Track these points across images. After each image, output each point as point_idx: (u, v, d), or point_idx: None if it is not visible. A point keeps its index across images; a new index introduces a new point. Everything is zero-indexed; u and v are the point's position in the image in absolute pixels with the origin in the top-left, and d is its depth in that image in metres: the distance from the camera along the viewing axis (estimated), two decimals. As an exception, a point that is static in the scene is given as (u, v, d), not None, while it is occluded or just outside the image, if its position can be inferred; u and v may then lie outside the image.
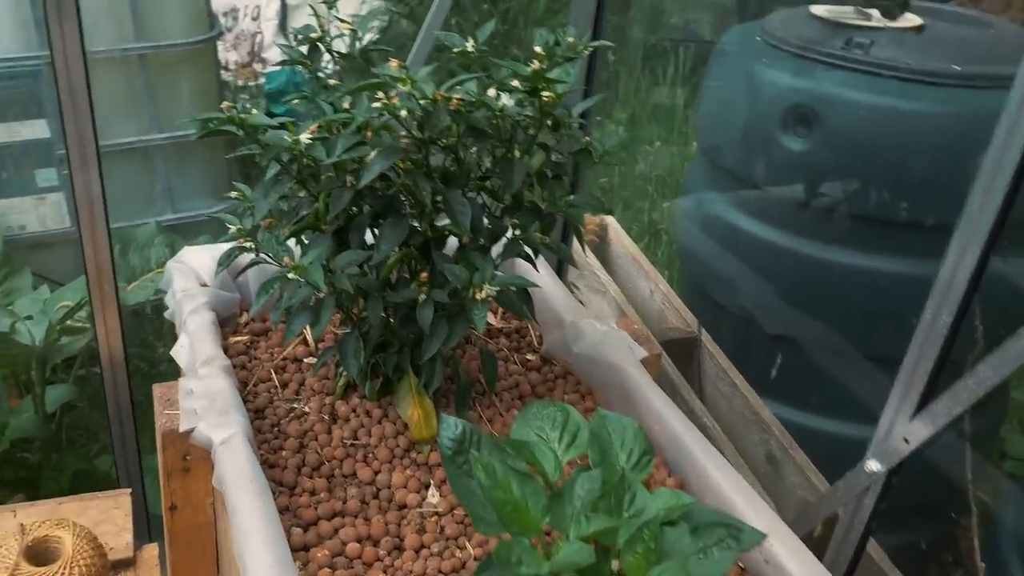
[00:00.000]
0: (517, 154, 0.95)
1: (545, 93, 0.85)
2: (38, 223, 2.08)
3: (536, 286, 0.89)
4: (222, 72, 2.56)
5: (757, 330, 1.60)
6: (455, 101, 0.79)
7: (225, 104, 0.83)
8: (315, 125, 0.88)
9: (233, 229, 0.94)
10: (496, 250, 0.99)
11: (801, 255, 1.50)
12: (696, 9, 3.73)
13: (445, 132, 0.88)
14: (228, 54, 3.58)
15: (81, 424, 2.11)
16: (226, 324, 1.21)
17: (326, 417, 1.08)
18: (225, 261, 0.97)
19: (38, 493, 1.95)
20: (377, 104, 0.82)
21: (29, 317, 1.70)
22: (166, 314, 1.20)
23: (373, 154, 0.82)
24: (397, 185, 0.88)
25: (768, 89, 1.50)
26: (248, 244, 0.94)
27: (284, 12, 3.70)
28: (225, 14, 3.58)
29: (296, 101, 1.06)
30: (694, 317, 1.64)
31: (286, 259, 0.87)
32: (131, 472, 1.70)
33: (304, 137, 0.86)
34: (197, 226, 2.25)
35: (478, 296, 0.88)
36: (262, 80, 3.50)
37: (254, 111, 0.87)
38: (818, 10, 1.58)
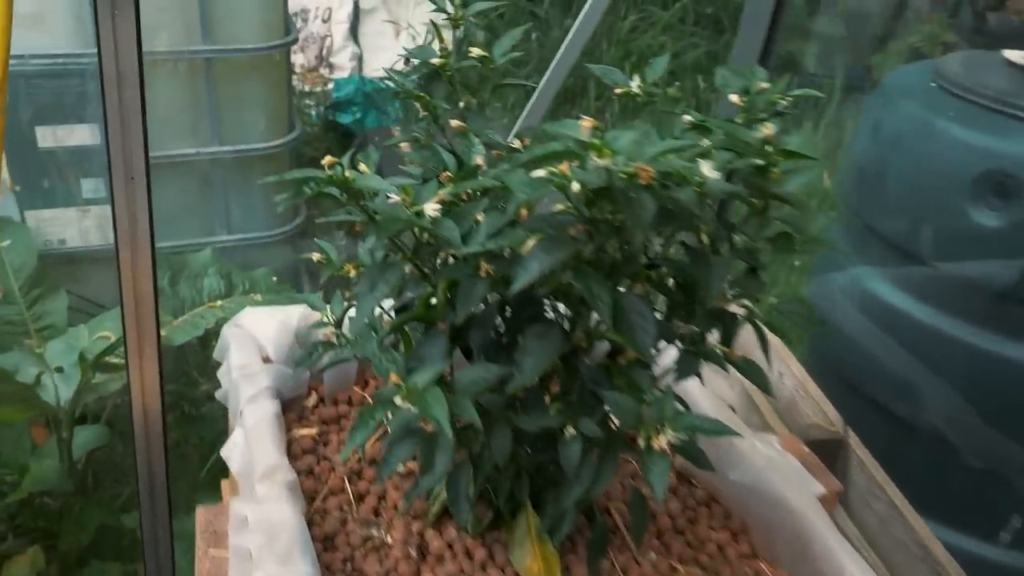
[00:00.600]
0: (704, 240, 0.70)
1: (776, 168, 0.60)
2: (80, 238, 1.87)
3: (737, 434, 0.63)
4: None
5: (927, 438, 1.32)
6: (648, 174, 0.54)
7: (328, 160, 0.59)
8: (441, 192, 0.64)
9: (317, 317, 0.70)
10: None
11: (991, 354, 1.22)
12: (793, 38, 3.44)
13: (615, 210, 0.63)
14: (295, 57, 3.37)
15: (111, 464, 1.90)
16: (290, 407, 0.97)
17: (413, 552, 0.83)
18: (306, 361, 0.73)
19: (56, 544, 1.73)
20: (541, 173, 0.57)
21: (60, 369, 1.48)
22: (218, 394, 0.96)
23: (531, 243, 0.57)
24: (553, 284, 0.63)
25: (954, 149, 1.23)
26: (336, 338, 0.70)
27: (356, 16, 3.49)
28: (295, 15, 3.38)
29: (405, 145, 0.81)
30: (836, 412, 1.37)
31: (393, 376, 0.62)
32: (160, 538, 1.47)
33: (430, 209, 0.62)
34: (255, 250, 2.03)
35: (656, 444, 0.62)
36: (329, 86, 3.29)
37: (363, 168, 0.63)
38: (1014, 55, 1.31)
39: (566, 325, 0.70)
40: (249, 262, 2.01)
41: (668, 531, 0.93)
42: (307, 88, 3.29)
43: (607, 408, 0.71)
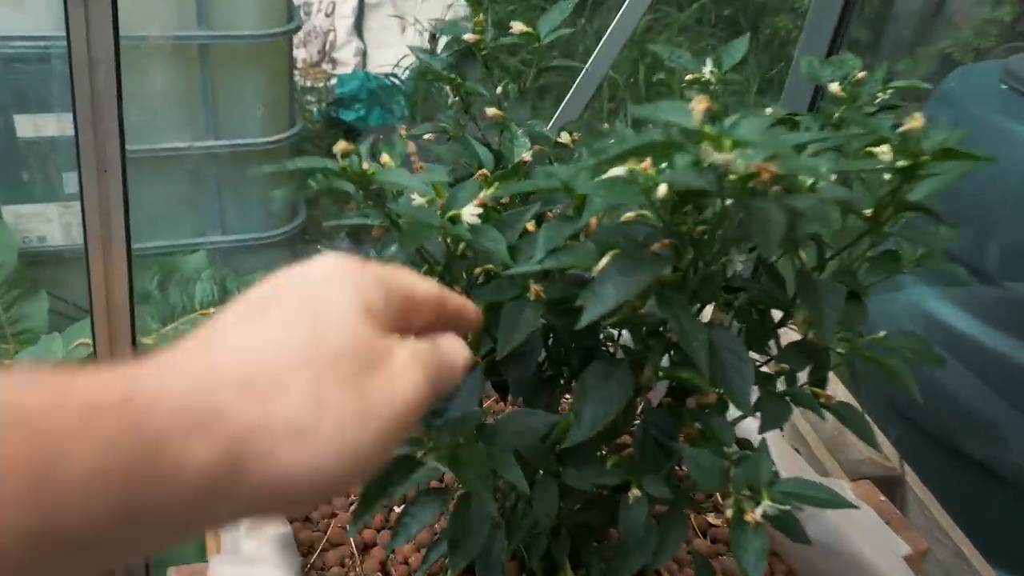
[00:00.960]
0: (805, 258, 0.57)
1: (921, 171, 0.47)
2: (62, 235, 1.73)
3: (854, 506, 0.50)
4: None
5: (995, 476, 1.19)
6: (770, 173, 0.40)
7: (341, 145, 0.46)
8: (483, 194, 0.51)
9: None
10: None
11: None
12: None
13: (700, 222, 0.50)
14: (297, 51, 3.24)
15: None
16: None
17: (428, 622, 0.70)
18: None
19: None
20: (618, 172, 0.44)
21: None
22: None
23: (605, 261, 0.44)
24: (626, 314, 0.50)
25: (1032, 155, 1.10)
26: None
27: (361, 10, 3.36)
28: (297, 7, 3.25)
29: (430, 136, 0.68)
30: (891, 446, 1.23)
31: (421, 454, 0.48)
32: None
33: (469, 214, 0.48)
34: (250, 253, 1.90)
35: (750, 516, 0.49)
36: (332, 82, 3.16)
37: (386, 160, 0.50)
38: (1095, 54, 1.19)
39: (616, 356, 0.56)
40: (244, 265, 1.88)
41: (725, 594, 0.79)
42: (309, 84, 3.16)
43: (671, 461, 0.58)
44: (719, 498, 0.92)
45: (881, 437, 1.25)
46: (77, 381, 0.27)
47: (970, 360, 1.18)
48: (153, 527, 0.27)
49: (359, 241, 1.90)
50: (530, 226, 0.51)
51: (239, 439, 0.29)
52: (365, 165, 0.48)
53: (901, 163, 0.45)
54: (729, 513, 0.51)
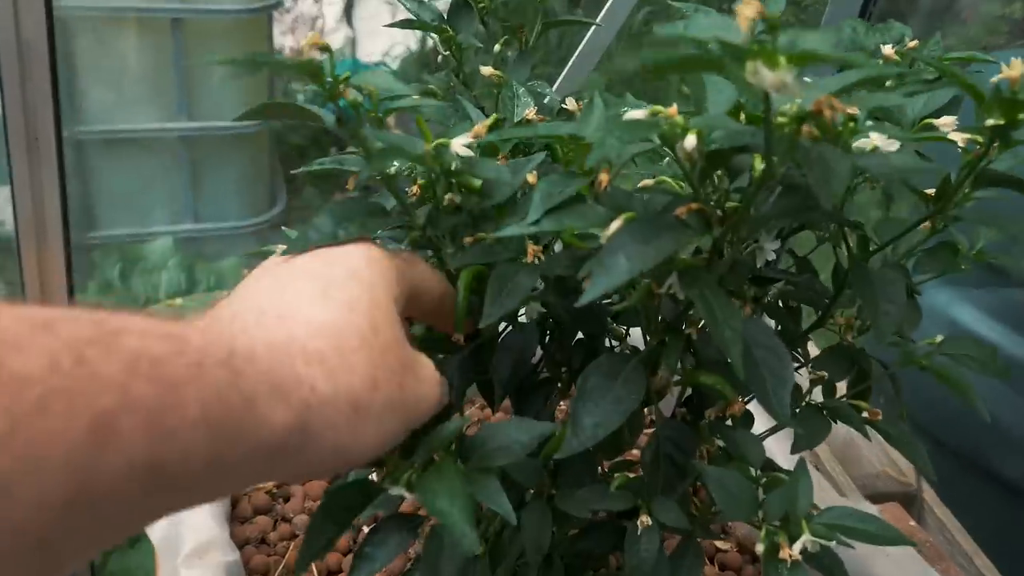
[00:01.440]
0: (853, 245, 0.48)
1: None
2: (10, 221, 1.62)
3: (911, 543, 0.41)
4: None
5: (1021, 495, 1.10)
6: (834, 112, 0.31)
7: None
8: (479, 126, 0.41)
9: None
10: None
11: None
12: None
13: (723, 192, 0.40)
14: (283, 38, 3.14)
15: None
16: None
17: (397, 660, 0.61)
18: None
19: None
20: (637, 116, 0.35)
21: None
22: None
23: (616, 225, 0.35)
24: (641, 298, 0.40)
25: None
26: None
27: (351, -3, 3.26)
28: (285, -7, 3.15)
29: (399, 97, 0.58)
30: (907, 461, 1.14)
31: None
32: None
33: (459, 144, 0.39)
34: (225, 242, 1.79)
35: (786, 553, 0.40)
36: (319, 70, 3.05)
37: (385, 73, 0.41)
38: None
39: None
40: (219, 256, 1.77)
41: (734, 629, 0.70)
42: (295, 72, 3.05)
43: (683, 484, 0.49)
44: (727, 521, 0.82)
45: (895, 453, 1.16)
46: (190, 333, 0.29)
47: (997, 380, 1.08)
48: (232, 475, 0.30)
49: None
50: (531, 178, 0.42)
51: (312, 407, 0.32)
52: (340, 81, 0.38)
53: (994, 121, 0.35)
54: (759, 548, 0.41)
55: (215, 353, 0.29)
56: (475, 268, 0.45)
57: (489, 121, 0.41)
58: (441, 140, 0.40)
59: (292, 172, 0.50)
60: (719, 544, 0.77)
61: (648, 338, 0.45)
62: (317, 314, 0.35)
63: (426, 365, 0.38)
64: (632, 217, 0.36)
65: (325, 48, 0.37)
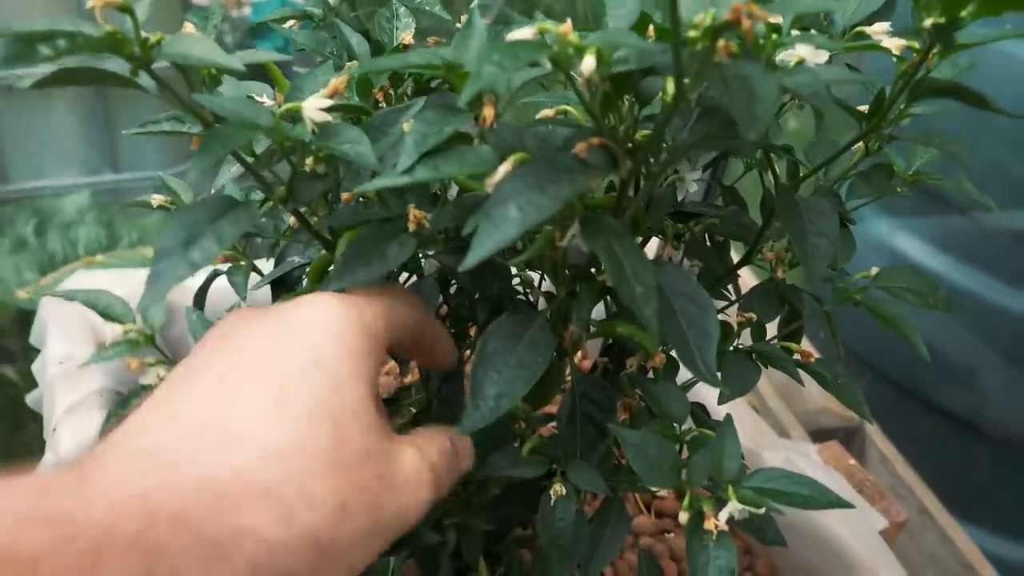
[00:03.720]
0: (780, 173, 0.43)
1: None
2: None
3: (849, 505, 0.37)
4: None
5: (965, 427, 1.09)
6: (754, 19, 0.26)
7: None
8: (337, 80, 0.35)
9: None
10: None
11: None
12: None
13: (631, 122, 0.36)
14: (207, -25, 2.99)
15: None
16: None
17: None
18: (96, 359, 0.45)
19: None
20: (521, 36, 0.30)
21: None
22: (29, 399, 0.67)
23: (505, 169, 0.30)
24: (540, 250, 0.35)
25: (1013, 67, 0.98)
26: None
27: (277, -69, 3.10)
28: (206, -73, 2.98)
29: (292, 23, 0.52)
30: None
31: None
32: None
33: (313, 107, 0.33)
34: (145, 194, 1.70)
35: (711, 523, 0.36)
36: (246, 10, 2.92)
37: (189, 28, 0.34)
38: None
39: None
40: (141, 209, 1.68)
41: (673, 580, 0.67)
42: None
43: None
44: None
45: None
46: (88, 509, 0.24)
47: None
48: None
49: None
50: (406, 127, 0.36)
51: (259, 566, 0.27)
52: (154, 37, 0.32)
53: (935, 19, 0.31)
54: (683, 517, 0.37)
55: (121, 532, 0.24)
56: (355, 230, 0.39)
57: (344, 76, 0.35)
58: (291, 105, 0.34)
59: (123, 133, 0.43)
60: (655, 490, 0.74)
61: (557, 289, 0.40)
62: (270, 435, 0.28)
63: (408, 463, 0.32)
64: (523, 158, 0.31)
65: (124, 8, 0.31)
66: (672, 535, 0.71)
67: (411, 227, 0.36)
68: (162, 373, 0.44)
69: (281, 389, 0.30)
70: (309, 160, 0.37)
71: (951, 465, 1.11)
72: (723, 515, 0.36)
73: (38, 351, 0.68)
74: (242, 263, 0.55)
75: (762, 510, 0.36)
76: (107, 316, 0.44)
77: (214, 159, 0.31)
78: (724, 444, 0.38)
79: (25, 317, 1.34)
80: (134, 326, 0.44)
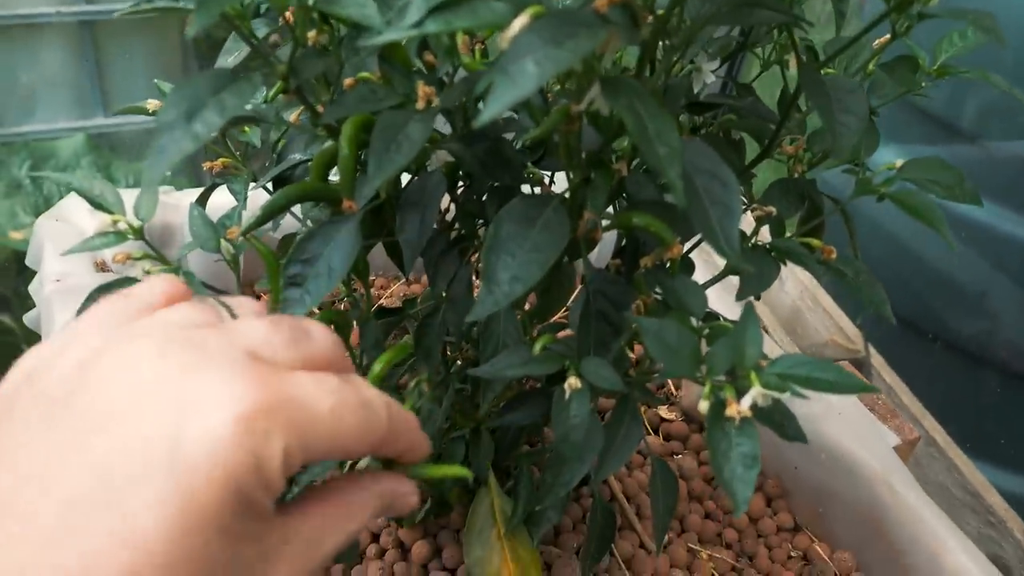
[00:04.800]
0: (799, 56, 0.41)
1: None
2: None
3: (875, 389, 0.36)
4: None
5: (972, 359, 1.08)
6: None
7: None
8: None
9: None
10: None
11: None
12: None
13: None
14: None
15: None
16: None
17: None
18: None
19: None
20: None
21: None
22: (27, 319, 0.66)
23: (520, 23, 0.28)
24: (555, 123, 0.33)
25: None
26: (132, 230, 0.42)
27: None
28: None
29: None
30: (854, 327, 1.12)
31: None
32: None
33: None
34: (141, 137, 1.68)
35: (734, 410, 0.35)
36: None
37: None
38: None
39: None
40: (137, 154, 1.66)
41: (682, 499, 0.67)
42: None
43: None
44: (671, 387, 0.79)
45: (844, 319, 1.14)
46: None
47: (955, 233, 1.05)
48: None
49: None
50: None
51: None
52: None
53: None
54: (703, 406, 0.36)
55: None
56: (360, 117, 0.38)
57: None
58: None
59: (114, 16, 0.41)
60: (663, 413, 0.74)
61: (571, 176, 0.39)
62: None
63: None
64: (540, 12, 0.30)
65: None
66: (681, 457, 0.70)
67: (420, 104, 0.34)
68: (148, 267, 0.43)
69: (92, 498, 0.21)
70: (311, 34, 0.35)
71: (958, 398, 1.11)
72: (746, 401, 0.35)
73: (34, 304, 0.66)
74: (242, 171, 0.54)
75: (786, 395, 0.35)
76: (99, 206, 0.43)
77: (212, 16, 0.29)
78: (746, 330, 0.37)
79: (21, 260, 1.32)
80: (123, 217, 0.42)
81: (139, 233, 0.43)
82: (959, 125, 1.08)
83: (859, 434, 0.64)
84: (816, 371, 0.37)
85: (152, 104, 0.53)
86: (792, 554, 0.66)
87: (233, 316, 0.28)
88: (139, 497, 0.21)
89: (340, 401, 0.25)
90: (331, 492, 0.28)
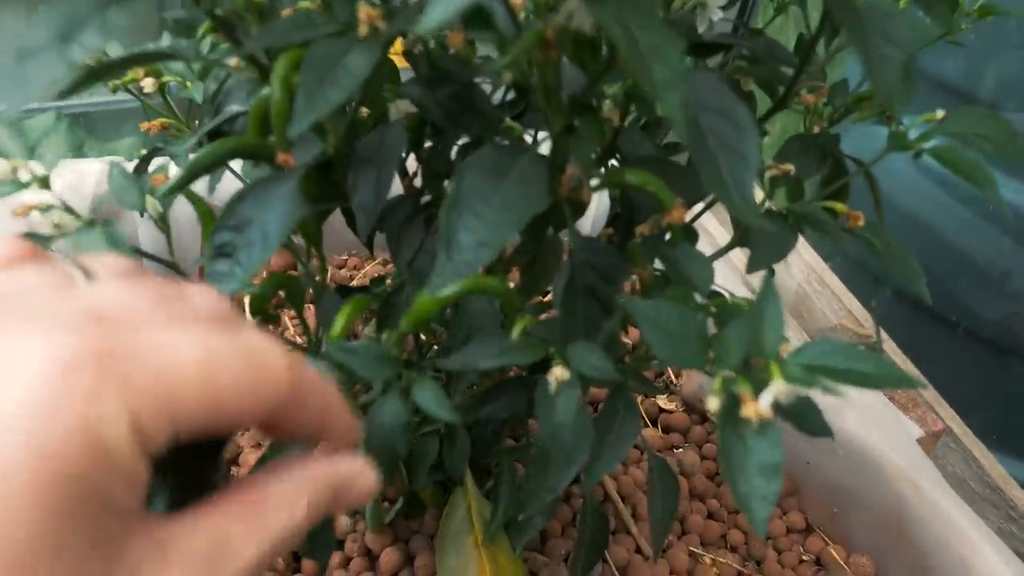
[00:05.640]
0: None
1: None
2: None
3: (922, 384, 0.30)
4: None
5: (988, 345, 1.02)
6: None
7: None
8: None
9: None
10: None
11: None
12: None
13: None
14: None
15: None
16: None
17: (281, 561, 0.50)
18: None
19: None
20: None
21: None
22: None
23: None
24: (525, 41, 0.27)
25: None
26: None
27: None
28: None
29: None
30: (865, 311, 1.06)
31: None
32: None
33: None
34: (116, 118, 1.61)
35: (751, 409, 0.28)
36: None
37: None
38: None
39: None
40: (113, 134, 1.59)
41: (683, 498, 0.61)
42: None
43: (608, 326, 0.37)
44: (671, 373, 0.72)
45: (854, 301, 1.08)
46: None
47: (958, 208, 0.99)
48: None
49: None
50: None
51: None
52: None
53: None
54: (712, 404, 0.30)
55: None
56: (297, 52, 0.31)
57: None
58: None
59: None
60: (662, 403, 0.67)
61: (551, 125, 0.32)
62: None
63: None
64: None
65: None
66: (681, 451, 0.64)
67: (363, 30, 0.28)
68: (57, 219, 0.37)
69: None
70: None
71: (981, 387, 1.05)
72: (765, 399, 0.29)
73: None
74: (184, 132, 0.48)
75: (815, 391, 0.29)
76: (-3, 158, 0.37)
77: None
78: (765, 311, 0.30)
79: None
80: (23, 163, 0.36)
81: (44, 183, 0.37)
82: (977, 96, 1.02)
83: (879, 425, 0.58)
84: (851, 361, 0.30)
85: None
86: (804, 558, 0.60)
87: (89, 279, 0.22)
88: None
89: (210, 351, 0.19)
90: (243, 485, 0.22)
